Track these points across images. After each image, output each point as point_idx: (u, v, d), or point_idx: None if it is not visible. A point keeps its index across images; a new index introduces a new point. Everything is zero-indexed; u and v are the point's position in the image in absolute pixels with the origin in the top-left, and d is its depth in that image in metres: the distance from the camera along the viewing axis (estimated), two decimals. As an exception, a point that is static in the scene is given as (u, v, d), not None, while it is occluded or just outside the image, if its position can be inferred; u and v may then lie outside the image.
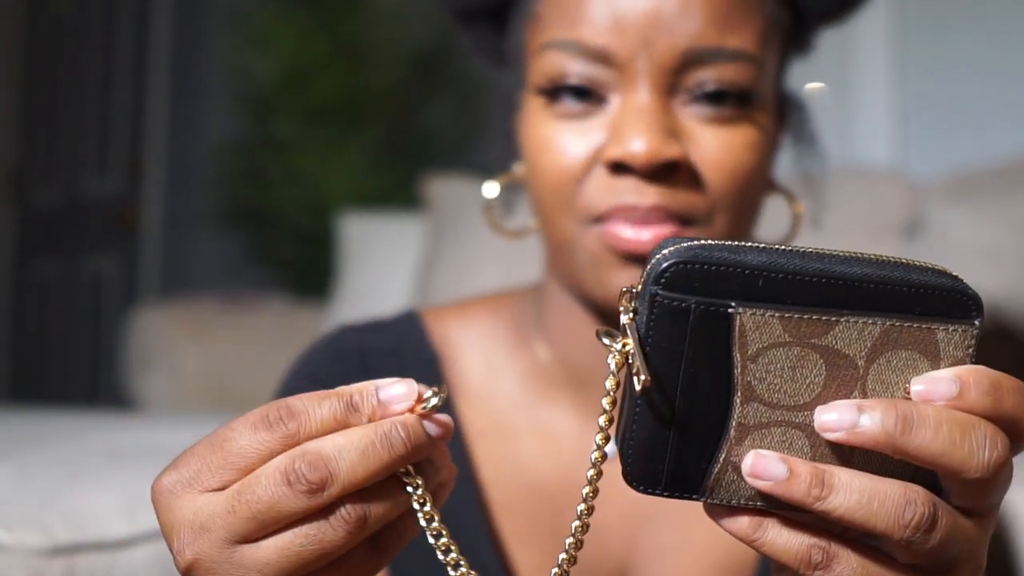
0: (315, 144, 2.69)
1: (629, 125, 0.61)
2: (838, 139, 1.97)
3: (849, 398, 0.38)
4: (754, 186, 0.65)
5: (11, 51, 4.11)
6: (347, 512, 0.39)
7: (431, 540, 0.41)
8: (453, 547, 0.41)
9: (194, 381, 2.09)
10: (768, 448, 0.38)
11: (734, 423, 0.38)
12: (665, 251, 0.38)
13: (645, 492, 0.40)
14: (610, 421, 0.39)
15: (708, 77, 0.62)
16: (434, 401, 0.41)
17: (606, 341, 0.39)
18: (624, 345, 0.38)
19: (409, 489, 0.41)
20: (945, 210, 1.44)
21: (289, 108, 2.71)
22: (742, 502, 0.39)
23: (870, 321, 0.37)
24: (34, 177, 4.07)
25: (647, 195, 0.61)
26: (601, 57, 0.63)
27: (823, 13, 0.72)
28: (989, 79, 1.91)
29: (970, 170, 1.50)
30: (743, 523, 0.39)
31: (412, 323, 0.76)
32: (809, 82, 0.75)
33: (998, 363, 0.41)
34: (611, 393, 0.39)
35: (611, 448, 0.40)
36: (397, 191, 2.61)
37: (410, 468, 0.41)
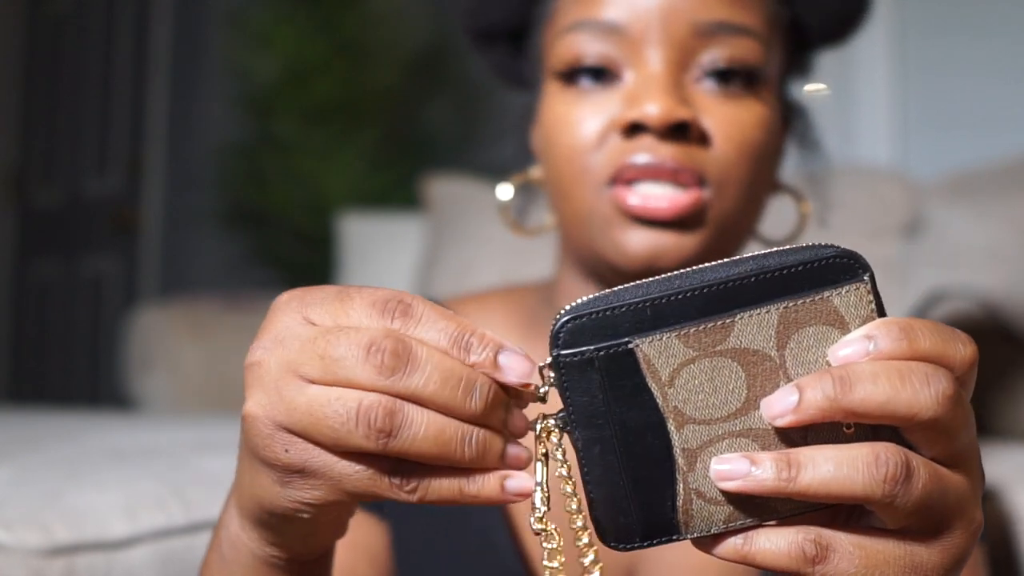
0: (315, 144, 2.69)
1: (644, 90, 0.64)
2: (839, 139, 1.97)
3: (778, 388, 0.38)
4: (762, 165, 0.67)
5: (11, 51, 4.11)
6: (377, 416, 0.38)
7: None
8: None
9: (194, 381, 2.09)
10: None
11: (678, 451, 0.38)
12: (558, 318, 0.39)
13: (626, 549, 0.39)
14: (546, 498, 0.40)
15: (718, 55, 0.65)
16: (543, 390, 0.40)
17: (538, 426, 0.40)
18: (544, 419, 0.39)
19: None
20: (945, 210, 1.43)
21: (289, 108, 2.71)
22: (720, 527, 0.38)
23: (764, 311, 0.37)
24: (34, 177, 4.07)
25: (661, 152, 0.64)
26: (615, 31, 0.66)
27: (823, 34, 0.75)
28: (988, 80, 1.90)
29: (970, 170, 1.50)
30: (731, 543, 0.38)
31: None
32: (810, 83, 0.76)
33: (998, 363, 0.41)
34: (538, 472, 0.40)
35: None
36: (397, 191, 2.61)
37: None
